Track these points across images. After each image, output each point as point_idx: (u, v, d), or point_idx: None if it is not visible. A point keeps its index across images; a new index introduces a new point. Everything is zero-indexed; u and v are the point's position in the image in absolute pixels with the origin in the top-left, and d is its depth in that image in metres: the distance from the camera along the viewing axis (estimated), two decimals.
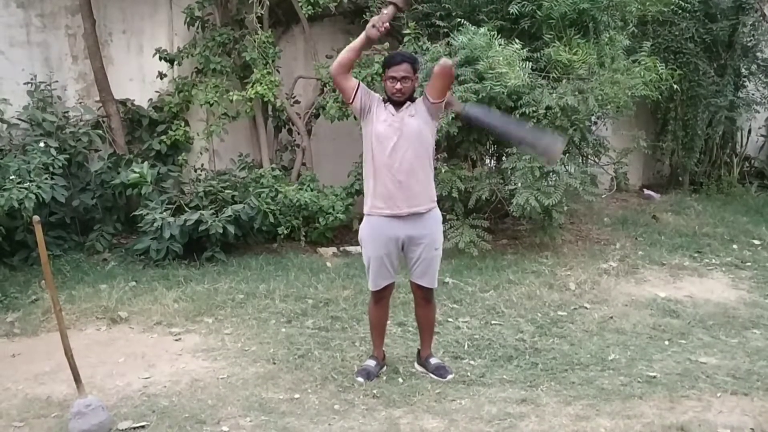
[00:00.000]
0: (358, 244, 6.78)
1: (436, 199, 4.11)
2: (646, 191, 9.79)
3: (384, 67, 4.03)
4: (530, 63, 6.37)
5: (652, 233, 7.72)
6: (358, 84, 4.01)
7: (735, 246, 7.39)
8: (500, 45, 6.24)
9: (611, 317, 5.31)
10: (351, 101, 3.99)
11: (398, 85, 3.91)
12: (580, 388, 4.08)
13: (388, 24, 3.87)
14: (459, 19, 6.67)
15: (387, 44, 6.85)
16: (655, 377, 4.23)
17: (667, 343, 4.84)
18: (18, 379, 4.21)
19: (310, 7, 6.70)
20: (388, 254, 4.03)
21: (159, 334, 4.93)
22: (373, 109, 3.97)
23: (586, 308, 5.52)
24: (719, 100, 9.35)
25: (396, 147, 3.89)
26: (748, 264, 6.82)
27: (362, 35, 3.89)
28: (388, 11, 3.90)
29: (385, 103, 3.99)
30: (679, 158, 9.86)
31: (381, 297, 4.20)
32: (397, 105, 3.95)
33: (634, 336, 4.95)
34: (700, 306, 5.62)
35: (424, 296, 4.22)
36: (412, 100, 3.99)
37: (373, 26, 3.82)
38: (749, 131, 10.57)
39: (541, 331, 4.99)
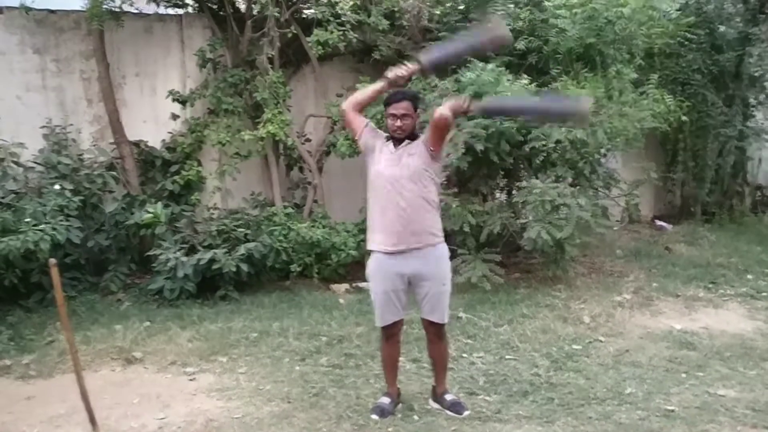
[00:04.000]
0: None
1: (441, 234, 4.09)
2: (658, 222, 9.77)
3: (385, 105, 4.08)
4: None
5: (666, 264, 7.69)
6: (366, 123, 4.12)
7: (750, 276, 7.35)
8: (508, 80, 6.31)
9: (627, 350, 5.27)
10: (358, 137, 4.12)
11: (398, 122, 3.97)
12: (597, 423, 4.04)
13: (406, 76, 4.00)
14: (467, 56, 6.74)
15: None
16: (673, 411, 4.18)
17: (684, 375, 4.79)
18: (33, 422, 4.20)
19: (320, 47, 6.81)
20: (394, 290, 4.04)
21: (173, 374, 4.93)
22: (377, 148, 4.03)
23: (601, 341, 5.48)
24: (728, 130, 9.39)
25: (395, 185, 3.93)
26: (764, 294, 6.76)
27: (382, 82, 4.00)
28: (410, 68, 3.99)
29: (387, 140, 4.04)
30: (690, 189, 9.88)
31: (391, 334, 4.19)
32: (397, 142, 4.01)
33: (651, 369, 4.90)
34: (716, 337, 5.57)
35: (435, 332, 4.20)
36: (415, 136, 4.03)
37: (396, 75, 3.95)
38: (759, 160, 10.58)
39: (556, 366, 4.95)
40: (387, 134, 4.09)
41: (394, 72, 3.96)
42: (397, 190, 3.92)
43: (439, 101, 6.36)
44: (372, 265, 4.11)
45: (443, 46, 4.18)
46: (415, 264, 3.99)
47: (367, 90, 4.12)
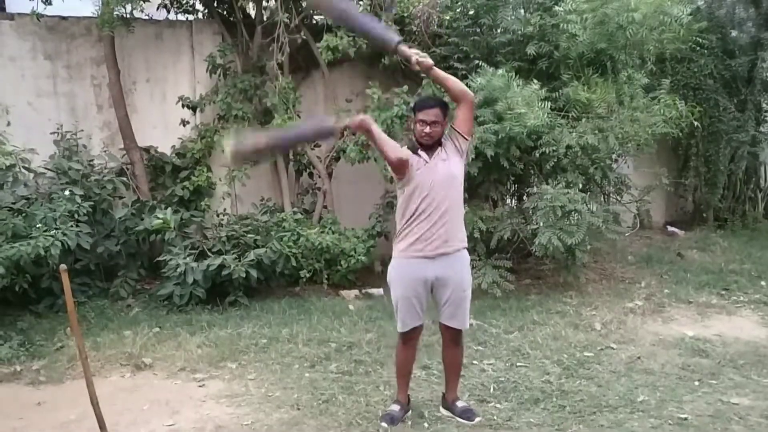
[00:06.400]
0: (380, 287, 6.85)
1: (465, 240, 4.11)
2: (669, 228, 9.72)
3: (415, 110, 4.04)
4: (549, 103, 6.39)
5: (678, 271, 7.64)
6: (408, 158, 3.94)
7: (763, 282, 7.28)
8: (518, 86, 6.29)
9: (639, 357, 5.23)
10: (411, 173, 3.96)
11: (427, 129, 3.93)
12: (609, 431, 4.00)
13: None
14: (477, 61, 6.74)
15: (406, 87, 6.92)
16: (686, 419, 4.14)
17: (697, 383, 4.74)
18: (44, 428, 4.21)
19: (329, 52, 6.80)
20: (416, 295, 4.02)
21: (183, 380, 4.92)
22: (413, 161, 3.97)
23: (613, 348, 5.43)
24: (741, 136, 9.33)
25: (431, 192, 3.91)
26: None
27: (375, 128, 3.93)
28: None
29: (415, 151, 3.99)
30: (702, 194, 9.82)
31: (409, 338, 4.17)
32: (429, 150, 3.98)
33: (663, 376, 4.86)
34: (729, 345, 5.52)
35: (452, 338, 4.18)
36: (440, 143, 4.01)
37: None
38: None
39: (567, 373, 4.91)
40: (409, 145, 4.03)
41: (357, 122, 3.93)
42: (433, 198, 3.91)
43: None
44: (395, 270, 4.09)
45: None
46: (440, 269, 3.98)
47: (387, 141, 3.92)
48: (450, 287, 4.02)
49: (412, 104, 4.12)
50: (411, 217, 3.96)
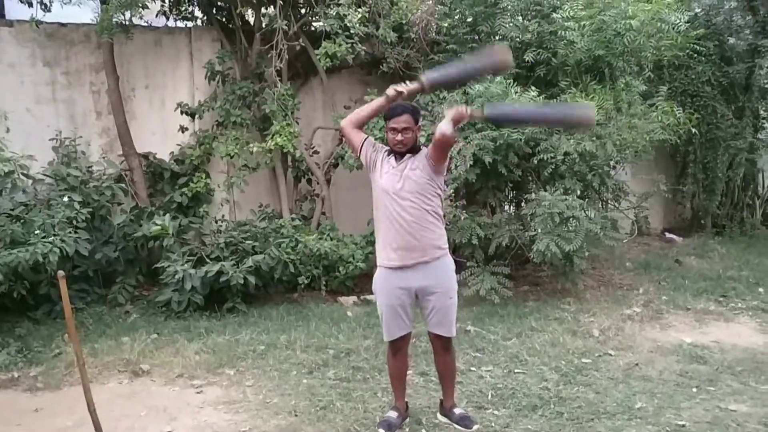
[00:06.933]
0: None
1: (445, 247, 4.05)
2: (668, 235, 9.73)
3: (385, 119, 4.04)
4: None
5: (676, 277, 7.64)
6: (365, 138, 4.08)
7: (761, 289, 7.28)
8: (516, 92, 6.30)
9: (637, 364, 5.22)
10: (358, 154, 4.09)
11: (399, 137, 3.92)
12: None
13: (406, 95, 3.94)
14: None
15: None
16: (683, 426, 4.14)
17: (695, 390, 4.74)
18: None
19: (328, 59, 6.82)
20: (401, 304, 4.00)
21: (180, 386, 4.91)
22: (379, 163, 4.00)
23: (611, 355, 5.43)
24: (739, 142, 9.36)
25: (398, 199, 3.89)
26: None
27: (382, 99, 3.96)
28: (413, 87, 3.92)
29: (389, 155, 4.01)
30: (700, 201, 9.84)
31: (398, 348, 4.15)
32: (399, 156, 3.97)
33: (661, 383, 4.86)
34: (727, 351, 5.52)
35: (442, 345, 4.17)
36: (417, 150, 3.99)
37: (396, 92, 3.90)
38: None
39: (565, 380, 4.90)
40: (388, 148, 4.06)
41: (394, 89, 3.91)
42: (400, 205, 3.89)
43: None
44: (378, 280, 4.08)
45: (446, 68, 4.13)
46: (420, 278, 3.95)
47: (366, 107, 4.09)
48: (434, 296, 3.99)
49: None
50: (383, 224, 3.95)
